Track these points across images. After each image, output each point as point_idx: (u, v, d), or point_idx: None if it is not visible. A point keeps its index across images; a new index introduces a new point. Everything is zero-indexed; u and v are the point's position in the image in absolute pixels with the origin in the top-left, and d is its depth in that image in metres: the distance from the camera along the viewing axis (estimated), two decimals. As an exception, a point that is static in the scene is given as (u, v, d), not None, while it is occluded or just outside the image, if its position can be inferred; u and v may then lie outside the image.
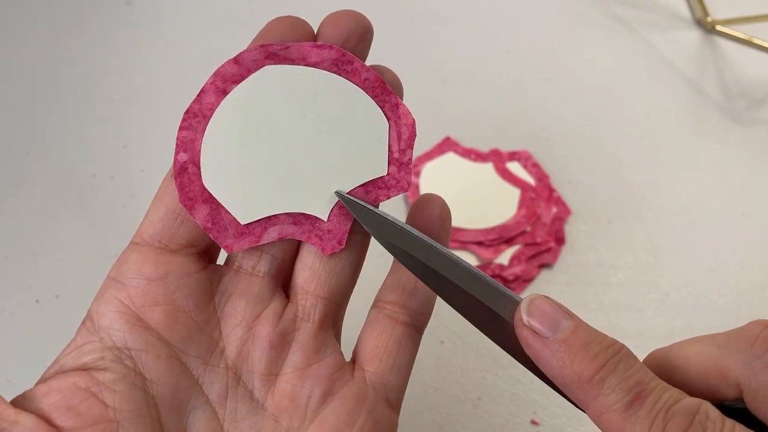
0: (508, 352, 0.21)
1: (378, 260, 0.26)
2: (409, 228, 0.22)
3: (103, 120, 0.48)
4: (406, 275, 0.23)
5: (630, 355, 0.19)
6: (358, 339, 0.23)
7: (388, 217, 0.22)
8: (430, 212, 0.23)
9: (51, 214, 0.43)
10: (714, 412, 0.17)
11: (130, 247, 0.21)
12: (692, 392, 0.19)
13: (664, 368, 0.20)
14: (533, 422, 0.36)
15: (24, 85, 0.49)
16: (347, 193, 0.22)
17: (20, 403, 0.19)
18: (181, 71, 0.50)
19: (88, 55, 0.51)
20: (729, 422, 0.17)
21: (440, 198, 0.24)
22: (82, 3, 0.54)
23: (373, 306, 0.24)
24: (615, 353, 0.18)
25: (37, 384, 0.19)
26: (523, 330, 0.19)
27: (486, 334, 0.21)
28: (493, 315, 0.20)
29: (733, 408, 0.19)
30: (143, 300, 0.20)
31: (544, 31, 0.54)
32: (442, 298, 0.21)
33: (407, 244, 0.21)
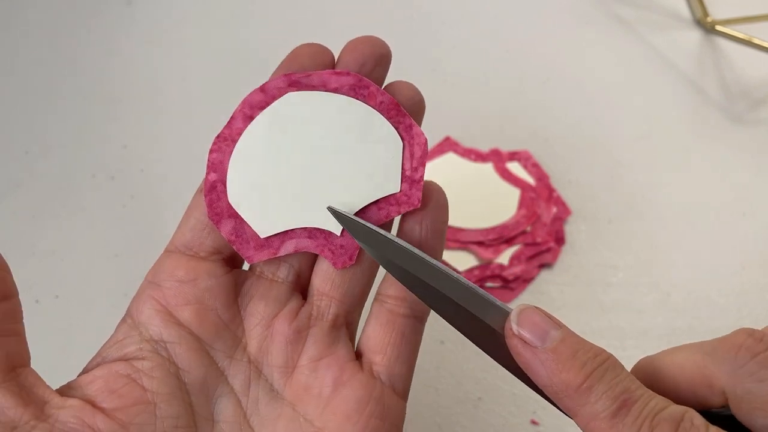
0: (498, 362, 0.21)
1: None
2: (398, 240, 0.22)
3: (103, 120, 0.48)
4: None
5: (617, 364, 0.19)
6: (363, 332, 0.25)
7: (377, 231, 0.22)
8: (428, 197, 0.24)
9: (51, 214, 0.43)
10: (698, 419, 0.18)
11: (164, 254, 0.24)
12: (679, 400, 0.19)
13: (652, 376, 0.20)
14: (533, 422, 0.36)
15: (24, 85, 0.49)
16: (360, 209, 0.23)
17: (66, 391, 0.21)
18: (181, 71, 0.50)
19: (88, 55, 0.51)
20: (713, 429, 0.18)
21: (437, 185, 0.24)
22: (82, 3, 0.54)
23: (375, 299, 0.25)
24: (602, 362, 0.19)
25: (81, 374, 0.22)
26: (513, 340, 0.20)
27: (477, 345, 0.21)
28: (483, 325, 0.21)
29: (720, 415, 0.19)
30: (176, 300, 0.23)
31: (544, 31, 0.54)
32: (433, 309, 0.22)
33: (397, 256, 0.22)
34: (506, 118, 0.48)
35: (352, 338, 0.25)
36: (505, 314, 0.21)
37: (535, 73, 0.51)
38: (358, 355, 0.24)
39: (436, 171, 0.45)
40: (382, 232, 0.22)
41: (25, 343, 0.20)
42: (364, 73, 0.23)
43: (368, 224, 0.23)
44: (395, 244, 0.22)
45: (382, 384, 0.23)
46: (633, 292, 0.41)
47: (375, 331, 0.24)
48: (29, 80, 0.50)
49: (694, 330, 0.39)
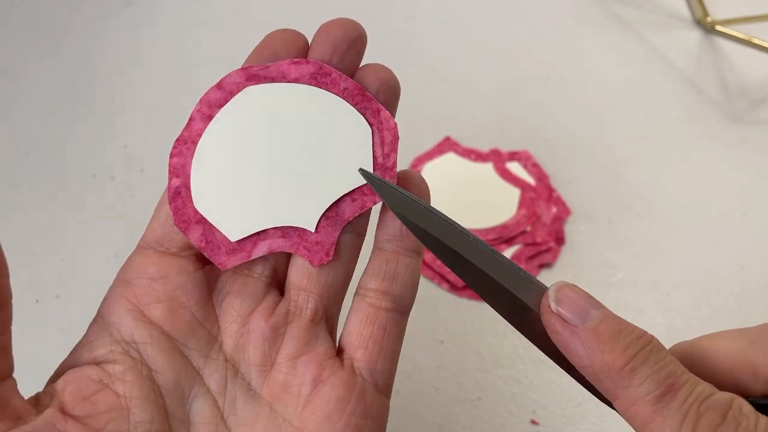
0: (530, 340, 0.20)
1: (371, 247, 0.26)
2: (434, 210, 0.21)
3: (103, 120, 0.48)
4: (385, 261, 0.23)
5: (661, 347, 0.18)
6: (344, 327, 0.24)
7: (413, 198, 0.21)
8: (408, 188, 0.23)
9: (51, 214, 0.43)
10: (747, 408, 0.17)
11: (135, 251, 0.23)
12: (719, 386, 0.19)
13: (690, 360, 0.20)
14: (533, 422, 0.36)
15: (24, 85, 0.49)
16: (334, 202, 0.22)
17: (39, 399, 0.20)
18: (182, 71, 0.50)
19: (88, 55, 0.51)
20: (763, 419, 0.17)
21: (419, 175, 0.24)
22: (82, 3, 0.54)
23: (356, 293, 0.24)
24: (646, 344, 0.18)
25: (51, 378, 0.21)
26: (551, 317, 0.19)
27: (511, 323, 0.21)
28: (518, 302, 0.20)
29: (761, 404, 0.19)
30: (147, 298, 0.22)
31: (544, 31, 0.54)
32: (467, 283, 0.21)
33: (431, 226, 0.21)
34: (506, 118, 0.48)
35: (332, 334, 0.24)
36: (542, 292, 0.20)
37: (535, 74, 0.51)
38: (340, 351, 0.23)
39: (436, 171, 0.45)
40: (417, 199, 0.21)
41: (9, 354, 0.20)
42: (337, 58, 0.22)
43: (405, 192, 0.22)
44: (432, 215, 0.21)
45: (363, 380, 0.23)
46: (633, 292, 0.41)
47: (356, 325, 0.23)
48: (29, 80, 0.50)
49: (694, 330, 0.39)
